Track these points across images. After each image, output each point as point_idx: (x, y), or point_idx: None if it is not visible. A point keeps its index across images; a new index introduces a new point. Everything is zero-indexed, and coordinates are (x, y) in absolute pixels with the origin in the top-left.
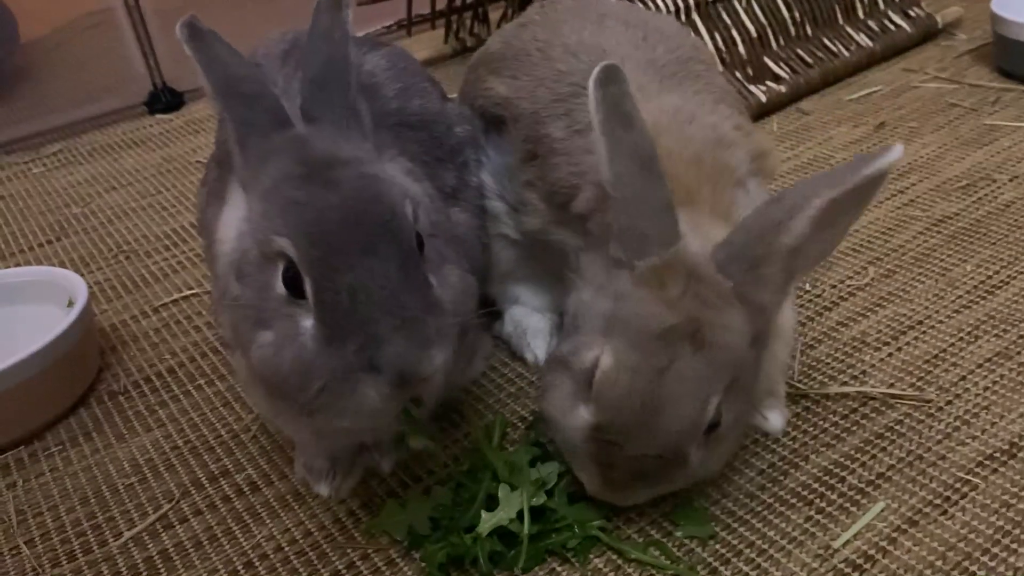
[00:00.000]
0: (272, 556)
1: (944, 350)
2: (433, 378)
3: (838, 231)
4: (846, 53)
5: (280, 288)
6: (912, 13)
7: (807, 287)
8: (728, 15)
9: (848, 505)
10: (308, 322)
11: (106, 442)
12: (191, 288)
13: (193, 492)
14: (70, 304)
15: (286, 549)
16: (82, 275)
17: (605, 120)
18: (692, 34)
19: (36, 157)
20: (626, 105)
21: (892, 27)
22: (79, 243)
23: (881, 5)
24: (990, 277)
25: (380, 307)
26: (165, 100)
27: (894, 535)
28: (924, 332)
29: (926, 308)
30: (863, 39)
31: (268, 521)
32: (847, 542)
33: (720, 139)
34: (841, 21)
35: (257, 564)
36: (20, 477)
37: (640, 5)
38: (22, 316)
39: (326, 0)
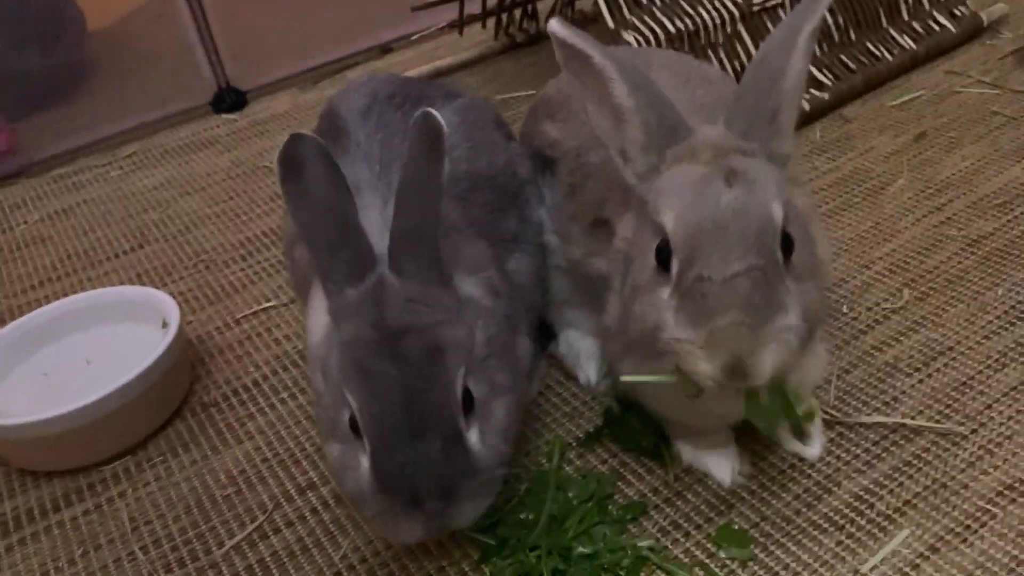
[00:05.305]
0: (358, 567)
1: (972, 377)
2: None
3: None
4: (889, 57)
5: (346, 424)
6: (957, 12)
7: (844, 309)
8: (773, 24)
9: (876, 531)
10: (365, 461)
11: (203, 453)
12: (268, 300)
13: (284, 504)
14: (164, 325)
15: (369, 561)
16: (166, 285)
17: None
18: (735, 82)
19: (113, 159)
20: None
21: (936, 28)
22: (160, 251)
23: (926, 5)
24: (1021, 302)
25: (423, 476)
26: (229, 100)
27: (917, 561)
28: (954, 359)
29: (957, 333)
30: (906, 41)
31: (352, 532)
32: (874, 567)
33: None
34: (885, 24)
35: (344, 575)
36: (129, 486)
37: (690, 57)
38: (123, 334)
39: (422, 143)
